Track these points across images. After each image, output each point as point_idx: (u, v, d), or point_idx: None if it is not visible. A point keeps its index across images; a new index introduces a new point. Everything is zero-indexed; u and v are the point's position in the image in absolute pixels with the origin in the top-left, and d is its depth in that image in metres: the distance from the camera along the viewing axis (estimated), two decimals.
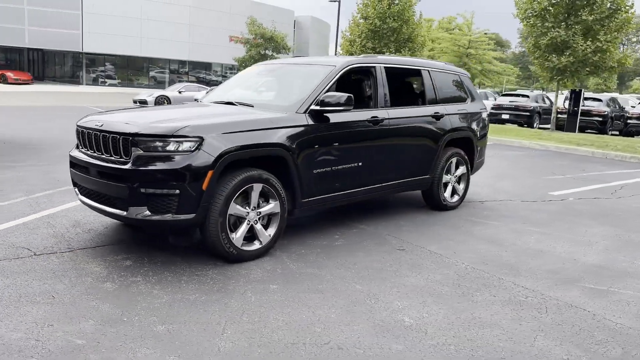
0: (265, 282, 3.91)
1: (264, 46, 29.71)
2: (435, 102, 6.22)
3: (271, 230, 4.49)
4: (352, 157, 5.13)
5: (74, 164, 4.55)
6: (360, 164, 5.22)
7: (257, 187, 4.30)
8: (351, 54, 23.84)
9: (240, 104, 5.11)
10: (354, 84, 6.08)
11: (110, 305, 3.40)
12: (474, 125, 6.69)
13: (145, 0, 43.87)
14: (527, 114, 22.50)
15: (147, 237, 4.88)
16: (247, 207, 4.30)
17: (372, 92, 5.58)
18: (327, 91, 4.93)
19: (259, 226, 4.39)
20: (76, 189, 4.70)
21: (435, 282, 4.10)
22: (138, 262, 4.21)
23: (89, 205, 4.45)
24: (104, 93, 36.00)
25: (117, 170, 4.00)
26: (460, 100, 6.66)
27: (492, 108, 23.46)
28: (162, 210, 3.95)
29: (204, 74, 50.34)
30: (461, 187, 6.66)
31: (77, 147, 4.65)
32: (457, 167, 6.56)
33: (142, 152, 3.94)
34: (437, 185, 6.24)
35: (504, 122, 22.76)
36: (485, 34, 54.58)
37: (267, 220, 4.51)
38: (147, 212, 3.96)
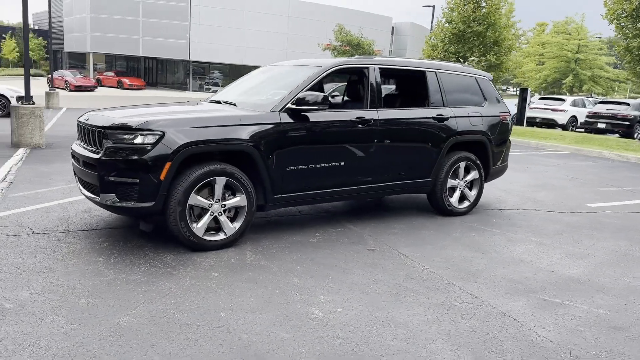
0: (210, 270, 4.12)
1: (349, 53, 30.03)
2: (441, 104, 6.07)
3: (237, 223, 4.70)
4: (332, 156, 5.20)
5: (72, 155, 5.07)
6: (342, 163, 5.27)
7: (221, 181, 4.53)
8: (432, 59, 23.39)
9: (226, 102, 5.38)
10: (345, 84, 6.12)
11: (59, 278, 3.79)
12: (489, 129, 6.42)
13: (246, 11, 46.19)
14: (627, 123, 20.64)
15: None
16: (211, 199, 4.55)
17: (362, 92, 5.59)
18: (308, 91, 5.06)
19: (223, 218, 4.62)
20: (75, 177, 5.24)
21: (378, 281, 4.07)
22: (112, 245, 4.62)
23: (80, 191, 4.95)
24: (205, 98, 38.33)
25: (92, 160, 4.43)
26: (474, 103, 6.44)
27: (587, 116, 21.87)
28: (126, 198, 4.32)
29: None
30: (473, 193, 6.42)
31: (76, 140, 5.19)
32: (467, 172, 6.35)
33: (111, 143, 4.34)
34: (441, 190, 6.08)
35: (601, 132, 21.10)
36: (599, 37, 50.78)
37: (234, 213, 4.73)
38: (116, 199, 4.35)
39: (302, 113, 4.98)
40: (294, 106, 4.91)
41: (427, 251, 4.89)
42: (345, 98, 6.65)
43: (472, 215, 6.35)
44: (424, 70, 6.07)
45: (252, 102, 5.20)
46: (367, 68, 5.61)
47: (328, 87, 7.56)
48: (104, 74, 45.96)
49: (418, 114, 5.92)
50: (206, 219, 4.55)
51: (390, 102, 5.73)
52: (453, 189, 6.28)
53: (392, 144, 5.62)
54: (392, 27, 57.64)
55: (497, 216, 6.41)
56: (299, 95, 4.92)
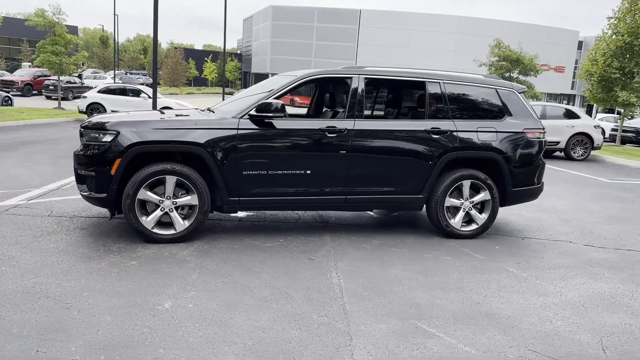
0: (136, 260, 4.50)
1: (506, 68, 28.19)
2: (441, 116, 5.66)
3: (188, 221, 5.02)
4: (296, 164, 5.23)
5: None
6: (308, 172, 5.26)
7: (171, 179, 4.91)
8: (591, 75, 20.92)
9: (210, 110, 5.75)
10: (321, 94, 6.03)
11: (17, 254, 4.52)
12: (505, 146, 5.76)
13: (412, 30, 46.36)
14: None
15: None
16: (163, 196, 4.95)
17: (342, 102, 5.51)
18: (275, 99, 5.20)
19: (174, 214, 4.99)
20: None
21: (272, 287, 4.04)
22: (92, 232, 5.28)
23: None
24: None
25: (73, 156, 5.16)
26: (489, 116, 5.84)
27: None
28: (90, 188, 4.95)
29: None
30: (482, 216, 5.81)
31: None
32: (476, 192, 5.78)
33: (84, 141, 5.01)
34: (436, 208, 5.64)
35: None
36: None
37: (188, 211, 5.07)
38: (86, 189, 5.00)
39: (266, 120, 5.13)
40: (254, 113, 5.09)
41: (368, 268, 4.64)
42: (325, 108, 6.54)
43: (476, 240, 5.75)
44: (424, 81, 5.72)
45: (226, 109, 5.48)
46: (350, 78, 5.51)
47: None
48: None
49: (405, 125, 5.61)
50: (155, 214, 4.96)
51: (377, 112, 5.51)
52: (457, 209, 5.77)
53: (368, 155, 5.42)
54: (581, 41, 52.66)
55: (507, 244, 5.71)
56: (260, 103, 5.08)
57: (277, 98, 5.26)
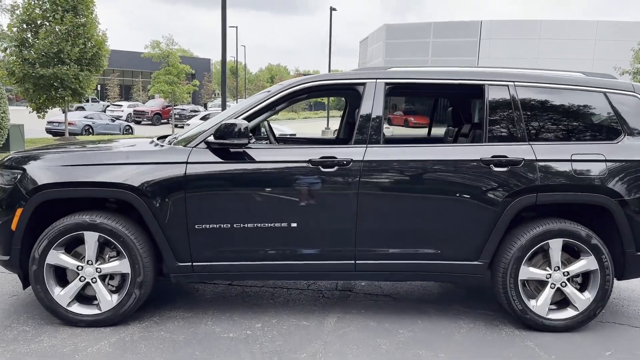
0: (29, 356, 3.07)
1: None
2: (513, 137, 3.59)
3: (119, 296, 3.52)
4: (276, 214, 3.53)
5: None
6: (293, 225, 3.52)
7: (91, 237, 3.46)
8: None
9: (161, 137, 4.22)
10: (352, 110, 4.18)
11: None
12: (622, 184, 3.52)
13: (542, 39, 42.05)
14: None
15: None
16: (83, 261, 3.51)
17: (350, 121, 3.71)
18: (246, 118, 3.58)
19: (99, 286, 3.52)
20: None
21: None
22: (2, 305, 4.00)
23: None
24: None
25: None
26: (593, 136, 3.65)
27: None
28: None
29: None
30: (585, 295, 3.59)
31: None
32: (574, 258, 3.61)
33: None
34: (505, 282, 3.55)
35: None
36: None
37: (120, 282, 3.57)
38: None
39: (232, 150, 3.51)
40: (213, 140, 3.48)
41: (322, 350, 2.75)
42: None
43: (572, 335, 3.54)
44: (482, 84, 3.70)
45: (182, 137, 3.91)
46: (363, 84, 3.69)
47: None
48: (394, 113, 48.15)
49: (449, 153, 3.62)
50: (73, 285, 3.52)
51: (404, 133, 3.63)
52: (541, 284, 3.64)
53: (387, 199, 3.54)
54: None
55: (630, 349, 3.43)
56: (219, 125, 3.47)
57: (248, 117, 3.61)
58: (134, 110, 36.75)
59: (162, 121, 35.99)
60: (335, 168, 3.48)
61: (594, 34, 42.28)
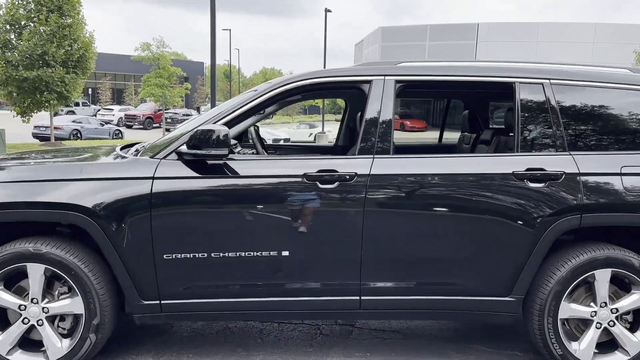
0: None
1: None
2: (550, 145, 2.98)
3: (71, 341, 2.86)
4: (262, 241, 2.89)
5: None
6: (285, 253, 2.89)
7: (36, 270, 2.81)
8: None
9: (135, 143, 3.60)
10: (352, 113, 3.56)
11: None
12: None
13: (540, 42, 41.66)
14: None
15: None
16: (27, 298, 2.85)
17: (353, 127, 3.09)
18: (226, 123, 2.94)
19: (47, 330, 2.86)
20: None
21: None
22: None
23: None
24: None
25: None
26: None
27: None
28: None
29: None
30: (638, 337, 2.98)
31: None
32: (624, 291, 2.99)
33: None
34: (541, 321, 2.93)
35: None
36: None
37: (72, 324, 2.91)
38: None
39: (209, 161, 2.87)
40: (186, 150, 2.84)
41: None
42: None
43: None
44: (512, 82, 3.08)
45: (149, 145, 3.26)
46: (368, 82, 3.05)
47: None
48: None
49: (473, 165, 3.00)
50: (14, 328, 2.86)
51: (418, 140, 3.00)
52: (584, 323, 3.01)
53: (399, 222, 2.92)
54: None
55: None
56: (194, 132, 2.82)
57: (229, 122, 2.97)
58: (125, 115, 36.29)
59: (154, 125, 35.33)
60: (336, 184, 2.85)
61: (592, 36, 41.96)
